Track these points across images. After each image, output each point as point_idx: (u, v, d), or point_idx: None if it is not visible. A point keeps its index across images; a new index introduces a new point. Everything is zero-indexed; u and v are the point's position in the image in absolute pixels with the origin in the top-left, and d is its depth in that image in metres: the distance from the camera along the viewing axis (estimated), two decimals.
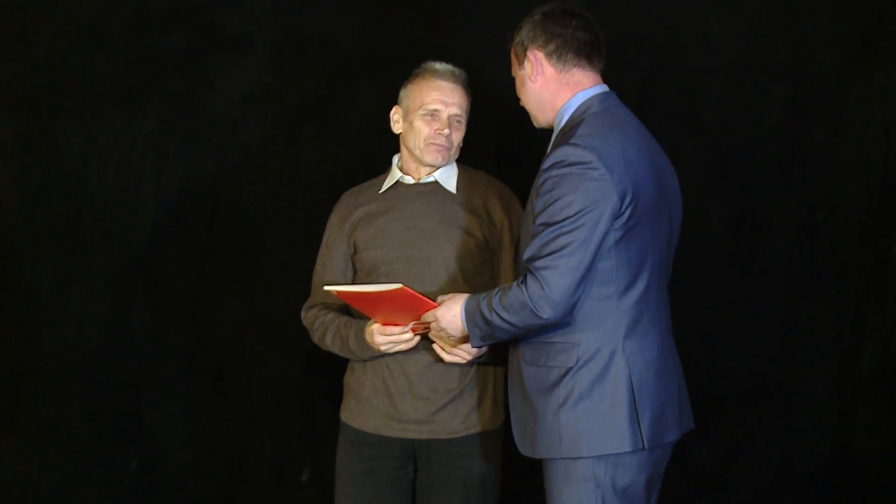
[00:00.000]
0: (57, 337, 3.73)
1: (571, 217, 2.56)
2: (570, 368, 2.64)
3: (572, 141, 2.61)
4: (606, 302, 2.64)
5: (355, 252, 3.12)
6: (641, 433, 2.63)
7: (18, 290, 3.73)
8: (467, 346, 2.89)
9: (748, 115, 3.54)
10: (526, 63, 2.78)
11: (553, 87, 2.77)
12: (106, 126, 3.72)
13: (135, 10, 3.70)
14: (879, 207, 3.49)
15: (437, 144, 3.04)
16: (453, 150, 3.09)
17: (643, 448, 2.63)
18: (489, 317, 2.66)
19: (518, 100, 2.87)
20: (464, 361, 2.94)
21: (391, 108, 3.14)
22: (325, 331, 3.11)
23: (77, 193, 3.72)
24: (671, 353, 2.78)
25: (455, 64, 3.11)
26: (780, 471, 3.59)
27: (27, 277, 3.72)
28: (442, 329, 2.80)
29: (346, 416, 3.14)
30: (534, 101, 2.81)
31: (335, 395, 3.28)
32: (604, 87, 2.78)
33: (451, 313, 2.77)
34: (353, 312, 3.13)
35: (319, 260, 3.20)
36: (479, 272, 3.05)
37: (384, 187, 3.14)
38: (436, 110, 3.04)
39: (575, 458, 2.64)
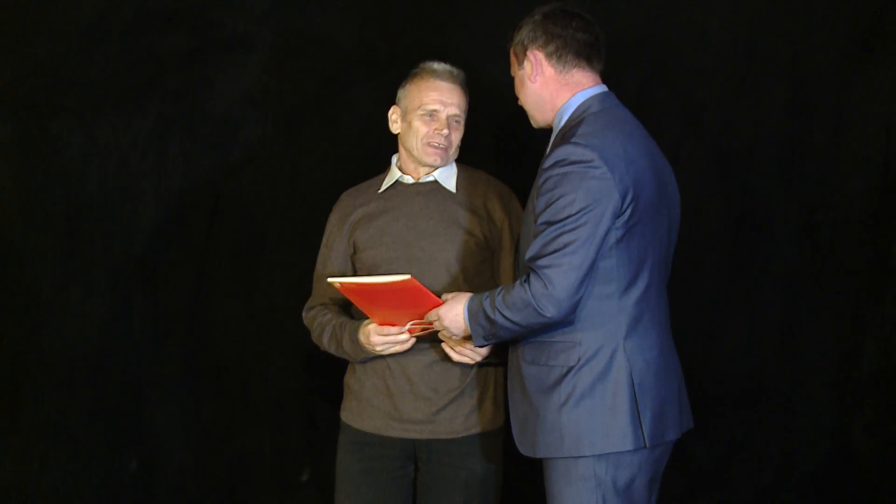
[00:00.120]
0: (57, 337, 3.73)
1: (574, 215, 2.56)
2: (572, 367, 2.64)
3: (573, 140, 2.61)
4: (607, 301, 2.64)
5: (355, 252, 3.12)
6: (643, 432, 2.63)
7: (18, 290, 3.73)
8: (474, 346, 2.89)
9: (748, 115, 3.54)
10: (525, 63, 2.79)
11: (552, 88, 2.77)
12: (106, 126, 3.72)
13: (135, 10, 3.70)
14: (879, 207, 3.49)
15: (436, 144, 3.04)
16: (452, 150, 3.09)
17: (645, 446, 2.64)
18: (492, 315, 2.66)
19: (517, 99, 2.87)
20: (472, 362, 2.94)
21: (391, 108, 3.14)
22: (322, 331, 3.12)
23: (77, 193, 3.72)
24: (671, 352, 2.79)
25: (454, 64, 3.11)
26: (780, 471, 3.59)
27: (27, 277, 3.73)
28: (445, 328, 2.80)
29: (346, 416, 3.14)
30: (533, 101, 2.81)
31: (335, 395, 3.28)
32: (603, 88, 2.79)
33: (453, 312, 2.77)
34: (353, 313, 3.13)
35: (319, 260, 3.20)
36: (479, 271, 3.05)
37: (383, 187, 3.14)
38: (434, 110, 3.04)
39: (576, 458, 2.64)
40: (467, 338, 2.81)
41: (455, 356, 2.93)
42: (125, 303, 3.74)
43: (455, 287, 2.99)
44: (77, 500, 3.77)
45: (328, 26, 3.70)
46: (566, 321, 2.63)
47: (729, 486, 3.62)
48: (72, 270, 3.73)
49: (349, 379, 3.15)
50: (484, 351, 2.91)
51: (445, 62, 3.10)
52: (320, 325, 3.12)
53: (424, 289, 2.79)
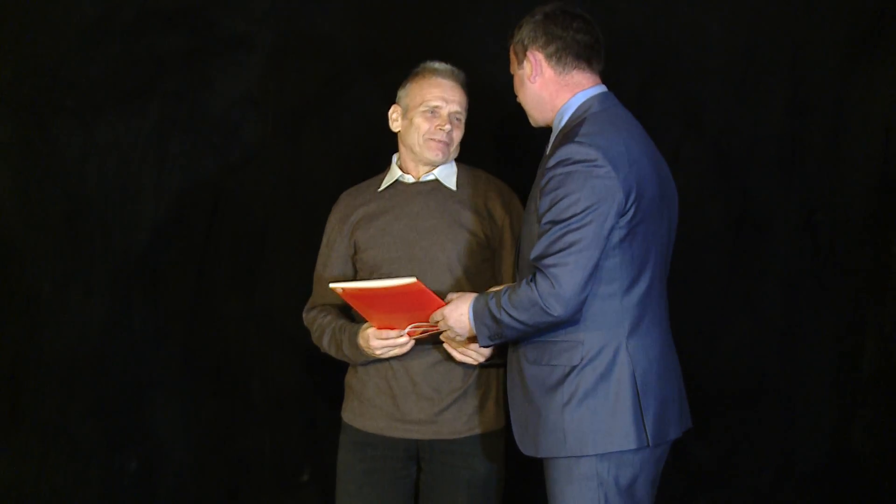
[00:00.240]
0: (57, 337, 3.73)
1: (579, 214, 2.57)
2: (575, 367, 2.65)
3: (577, 139, 2.62)
4: (610, 300, 2.65)
5: (356, 252, 3.12)
6: (646, 430, 2.64)
7: (18, 290, 3.73)
8: (477, 347, 2.89)
9: (748, 115, 3.54)
10: (525, 63, 2.79)
11: (552, 88, 2.78)
12: (106, 126, 3.71)
13: (135, 10, 3.70)
14: (879, 207, 3.49)
15: (438, 140, 3.04)
16: (453, 147, 3.09)
17: (648, 445, 2.64)
18: (498, 315, 2.66)
19: (516, 97, 2.87)
20: (475, 362, 2.94)
21: (391, 108, 3.14)
22: (321, 333, 3.12)
23: (77, 193, 3.72)
24: (671, 351, 2.80)
25: (454, 64, 3.12)
26: (780, 471, 3.59)
27: (27, 277, 3.72)
28: (449, 328, 2.80)
29: (347, 416, 3.14)
30: (532, 101, 2.81)
31: (335, 395, 3.28)
32: (603, 88, 2.79)
33: (457, 312, 2.77)
34: (353, 316, 3.13)
35: (320, 261, 3.20)
36: (480, 271, 3.05)
37: (383, 186, 3.14)
38: (437, 107, 3.05)
39: (578, 457, 2.64)
40: (472, 338, 2.81)
41: (458, 356, 2.93)
42: (125, 303, 3.74)
43: (457, 287, 2.99)
44: (77, 500, 3.77)
45: (328, 26, 3.70)
46: (571, 320, 2.63)
47: (729, 486, 3.62)
48: (72, 270, 3.73)
49: (351, 379, 3.15)
50: (486, 351, 2.91)
51: (446, 62, 3.11)
52: (320, 326, 3.12)
53: (429, 291, 2.79)
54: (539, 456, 2.71)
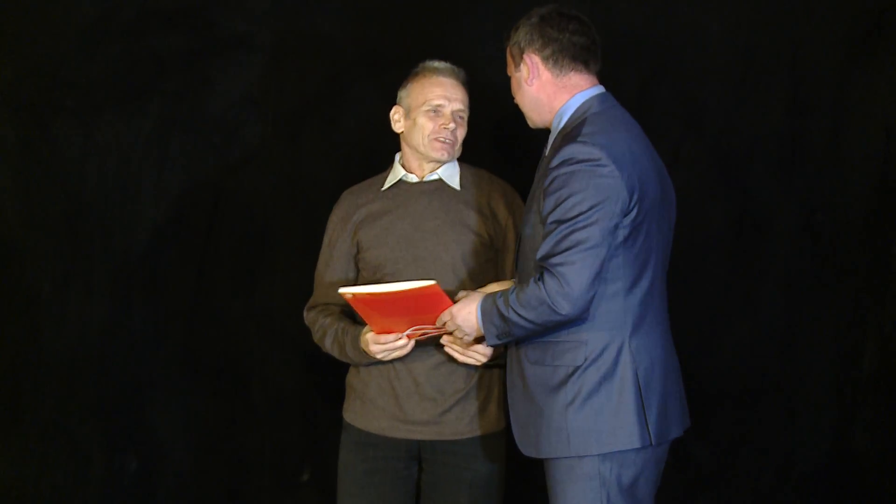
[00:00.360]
0: (57, 337, 3.73)
1: (584, 213, 2.57)
2: (578, 367, 2.65)
3: (580, 139, 2.62)
4: (613, 299, 2.65)
5: (359, 251, 3.11)
6: (649, 429, 2.65)
7: (18, 290, 3.73)
8: (481, 348, 2.89)
9: (748, 115, 3.54)
10: (522, 66, 2.79)
11: (550, 91, 2.78)
12: (106, 126, 3.71)
13: (135, 10, 3.70)
14: (879, 207, 3.49)
15: (443, 139, 3.04)
16: (457, 145, 3.09)
17: (651, 444, 2.65)
18: (506, 314, 2.66)
19: (514, 98, 2.87)
20: (478, 363, 2.94)
21: (391, 108, 3.14)
22: (324, 334, 3.11)
23: (77, 193, 3.72)
24: (672, 350, 2.80)
25: (454, 63, 3.11)
26: (780, 471, 3.59)
27: (27, 277, 3.72)
28: (457, 327, 2.80)
29: (349, 416, 3.13)
30: (530, 103, 2.82)
31: (335, 395, 3.28)
32: (601, 89, 2.79)
33: (465, 311, 2.77)
34: (354, 315, 3.13)
35: (321, 260, 3.19)
36: (483, 271, 3.04)
37: (386, 185, 3.13)
38: (440, 105, 3.04)
39: (580, 457, 2.64)
40: (478, 338, 2.81)
41: (461, 358, 2.93)
42: (125, 303, 3.74)
43: (461, 287, 2.99)
44: (77, 500, 3.77)
45: (328, 26, 3.70)
46: (578, 319, 2.63)
47: (729, 486, 3.62)
48: (72, 270, 3.73)
49: (352, 379, 3.14)
50: (489, 352, 2.91)
51: (445, 62, 3.11)
52: (322, 327, 3.11)
53: (444, 294, 2.79)
54: (540, 456, 2.70)
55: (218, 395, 3.78)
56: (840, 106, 3.50)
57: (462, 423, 3.03)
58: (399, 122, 3.12)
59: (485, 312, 2.72)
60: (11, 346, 3.73)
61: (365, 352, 2.98)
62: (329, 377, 3.59)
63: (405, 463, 3.08)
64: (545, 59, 2.76)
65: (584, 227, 2.57)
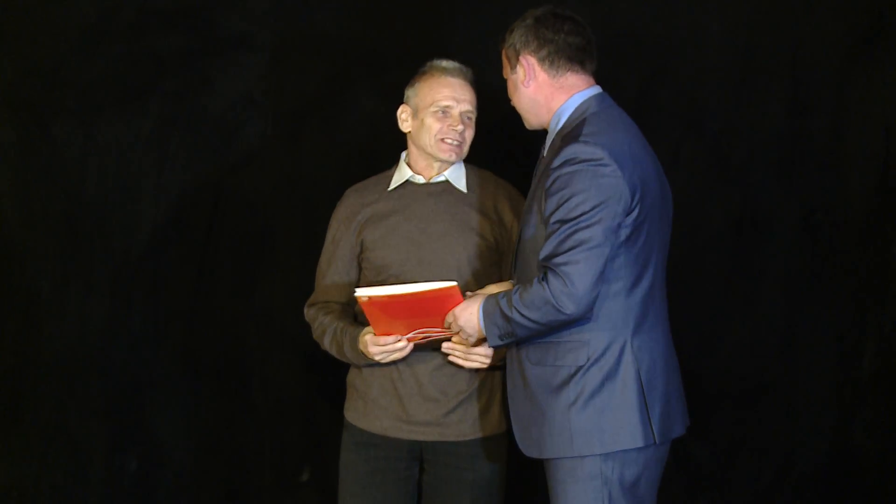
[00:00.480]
0: (57, 337, 3.73)
1: (588, 213, 2.57)
2: (581, 367, 2.65)
3: (581, 139, 2.62)
4: (615, 299, 2.65)
5: (362, 251, 3.10)
6: (653, 428, 2.65)
7: (18, 290, 3.72)
8: (482, 350, 2.89)
9: (748, 115, 3.54)
10: (518, 68, 2.79)
11: (547, 92, 2.77)
12: (106, 126, 3.71)
13: (135, 10, 3.70)
14: (879, 207, 3.49)
15: (450, 141, 3.02)
16: (466, 146, 3.07)
17: (655, 443, 2.65)
18: (510, 314, 2.65)
19: (510, 101, 2.87)
20: (482, 366, 2.94)
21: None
22: (323, 332, 3.10)
23: (77, 193, 3.72)
24: (672, 348, 2.81)
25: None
26: (780, 471, 3.59)
27: (27, 277, 3.72)
28: (460, 328, 2.80)
29: (351, 415, 3.13)
30: (527, 105, 2.81)
31: (336, 395, 3.28)
32: (598, 89, 2.80)
33: (467, 312, 2.77)
34: (355, 314, 3.12)
35: (323, 257, 3.17)
36: (488, 274, 3.03)
37: (392, 185, 3.11)
38: (448, 106, 3.02)
39: (583, 457, 2.64)
40: (482, 340, 2.81)
41: (466, 364, 2.93)
42: (125, 303, 3.74)
43: (464, 290, 2.98)
44: (77, 500, 3.77)
45: (328, 26, 3.70)
46: (582, 319, 2.63)
47: (729, 486, 3.62)
48: (72, 270, 3.73)
49: (354, 379, 3.13)
50: (490, 352, 2.90)
51: (454, 61, 3.08)
52: (321, 325, 3.11)
53: (461, 297, 2.78)
54: (543, 457, 2.70)
55: (218, 395, 3.78)
56: (840, 106, 3.50)
57: (465, 425, 3.02)
58: (406, 121, 3.10)
59: (487, 314, 2.72)
60: (11, 346, 3.73)
61: (363, 353, 2.97)
62: (329, 377, 3.59)
63: (407, 463, 3.08)
64: (541, 61, 2.76)
65: (587, 227, 2.57)
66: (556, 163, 2.62)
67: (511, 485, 3.15)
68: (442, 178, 3.09)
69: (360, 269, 3.13)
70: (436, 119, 3.03)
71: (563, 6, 2.81)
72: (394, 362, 2.99)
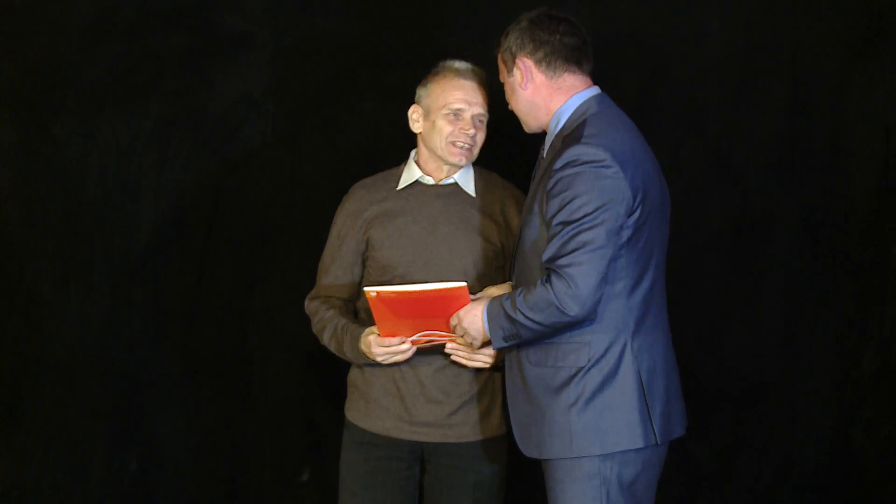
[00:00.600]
0: (57, 337, 3.73)
1: (590, 214, 2.57)
2: (582, 368, 2.65)
3: (583, 140, 2.62)
4: (616, 300, 2.66)
5: (367, 249, 3.09)
6: (653, 429, 2.66)
7: (18, 290, 3.73)
8: (488, 350, 2.89)
9: (748, 115, 3.54)
10: (515, 71, 2.79)
11: (545, 93, 2.77)
12: (106, 126, 3.71)
13: (135, 10, 3.70)
14: (879, 207, 3.49)
15: (461, 145, 3.00)
16: (476, 150, 3.05)
17: (656, 443, 2.65)
18: (514, 315, 2.65)
19: (507, 104, 2.87)
20: (486, 366, 2.94)
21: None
22: (323, 327, 3.09)
23: (77, 193, 3.72)
24: (671, 349, 2.81)
25: None
26: (780, 471, 3.59)
27: (27, 277, 3.72)
28: (464, 330, 2.80)
29: (352, 415, 3.12)
30: (525, 108, 2.81)
31: (336, 395, 3.28)
32: (596, 90, 2.79)
33: (471, 314, 2.77)
34: (356, 311, 3.12)
35: (327, 251, 3.15)
36: (493, 278, 3.03)
37: (401, 185, 3.09)
38: (460, 109, 3.00)
39: (581, 457, 2.64)
40: (486, 342, 2.80)
41: (469, 364, 2.93)
42: (125, 303, 3.74)
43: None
44: (77, 500, 3.77)
45: (329, 26, 3.70)
46: (586, 320, 2.63)
47: (729, 486, 3.62)
48: (72, 270, 3.73)
49: (356, 378, 3.13)
50: (496, 353, 2.90)
51: (467, 62, 3.05)
52: (322, 320, 3.10)
53: (469, 298, 2.78)
54: (543, 458, 2.71)
55: (218, 395, 3.78)
56: (840, 106, 3.50)
57: (467, 426, 3.02)
58: (417, 122, 3.07)
59: (491, 315, 2.72)
60: (11, 346, 3.73)
61: (363, 352, 2.97)
62: (329, 377, 3.59)
63: (408, 463, 3.08)
64: (538, 62, 2.76)
65: (590, 228, 2.57)
66: (558, 164, 2.62)
67: (511, 485, 3.15)
68: (451, 181, 3.07)
69: (364, 266, 3.12)
70: (447, 122, 3.00)
71: (560, 7, 2.81)
72: (395, 363, 2.99)
